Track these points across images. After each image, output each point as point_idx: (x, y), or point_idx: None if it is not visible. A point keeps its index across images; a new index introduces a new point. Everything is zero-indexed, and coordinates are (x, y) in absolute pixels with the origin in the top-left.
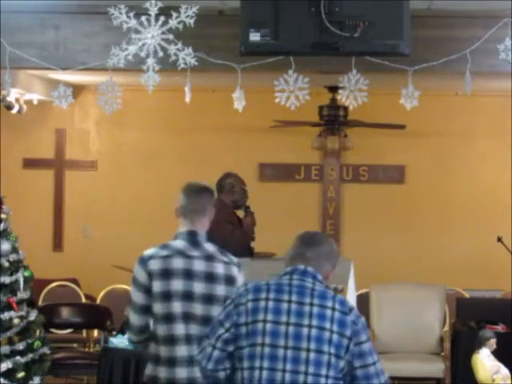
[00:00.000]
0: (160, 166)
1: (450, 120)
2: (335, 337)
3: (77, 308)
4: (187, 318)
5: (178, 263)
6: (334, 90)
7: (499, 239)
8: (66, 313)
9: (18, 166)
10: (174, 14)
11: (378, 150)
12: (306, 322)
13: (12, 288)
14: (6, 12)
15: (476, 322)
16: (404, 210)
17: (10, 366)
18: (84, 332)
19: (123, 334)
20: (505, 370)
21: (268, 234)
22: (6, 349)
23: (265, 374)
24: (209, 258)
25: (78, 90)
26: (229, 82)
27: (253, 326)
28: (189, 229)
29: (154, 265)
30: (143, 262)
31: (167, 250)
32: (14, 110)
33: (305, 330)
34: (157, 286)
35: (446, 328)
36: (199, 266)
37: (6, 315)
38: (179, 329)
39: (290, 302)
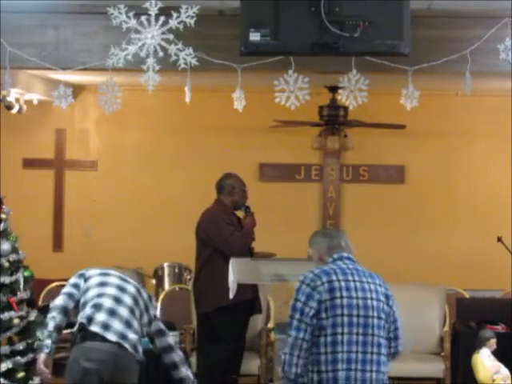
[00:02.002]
0: (160, 165)
1: (450, 120)
2: (385, 306)
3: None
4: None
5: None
6: (334, 89)
7: (499, 239)
8: None
9: (18, 166)
10: (174, 14)
11: (378, 149)
12: (368, 295)
13: (12, 288)
14: (6, 12)
15: (476, 322)
16: (404, 210)
17: (10, 366)
18: None
19: None
20: (505, 370)
21: (268, 233)
22: (5, 349)
23: (346, 337)
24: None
25: (78, 90)
26: (229, 82)
27: (332, 302)
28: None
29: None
30: None
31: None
32: (14, 110)
33: (369, 302)
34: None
35: (446, 328)
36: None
37: (6, 315)
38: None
39: (354, 281)
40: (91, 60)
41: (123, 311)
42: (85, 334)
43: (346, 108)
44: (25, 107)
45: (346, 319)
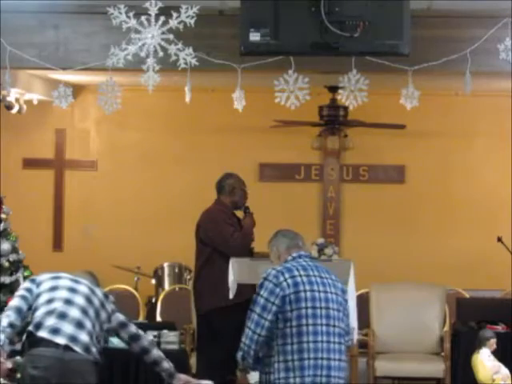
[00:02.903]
0: (160, 165)
1: (450, 120)
2: (342, 300)
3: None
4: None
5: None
6: (333, 89)
7: (499, 239)
8: None
9: (18, 166)
10: (175, 14)
11: (378, 150)
12: (328, 289)
13: (12, 288)
14: (6, 12)
15: (476, 322)
16: (404, 210)
17: (10, 366)
18: None
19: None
20: (505, 370)
21: (268, 234)
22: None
23: (311, 328)
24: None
25: (78, 90)
26: (229, 82)
27: (296, 295)
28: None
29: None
30: None
31: None
32: (14, 110)
33: (329, 295)
34: None
35: (446, 328)
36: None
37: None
38: None
39: (315, 276)
40: (91, 60)
41: (74, 312)
42: (32, 340)
43: (346, 108)
44: (25, 107)
45: (310, 311)
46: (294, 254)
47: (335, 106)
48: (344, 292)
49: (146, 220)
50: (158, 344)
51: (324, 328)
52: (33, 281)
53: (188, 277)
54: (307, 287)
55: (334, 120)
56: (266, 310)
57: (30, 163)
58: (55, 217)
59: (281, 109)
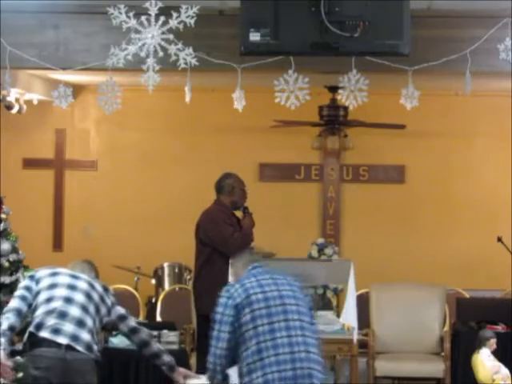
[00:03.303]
0: (160, 165)
1: (450, 120)
2: (299, 295)
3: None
4: None
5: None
6: (333, 89)
7: (499, 239)
8: None
9: (18, 166)
10: (175, 14)
11: (378, 150)
12: (281, 288)
13: (12, 288)
14: (6, 12)
15: (476, 322)
16: (404, 210)
17: (12, 366)
18: None
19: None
20: (505, 370)
21: (268, 233)
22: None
23: (266, 327)
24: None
25: (78, 90)
26: (229, 82)
27: (247, 300)
28: None
29: None
30: None
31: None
32: (14, 110)
33: (284, 293)
34: None
35: (446, 328)
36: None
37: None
38: None
39: (266, 279)
40: (91, 60)
41: (75, 311)
42: (33, 340)
43: (346, 108)
44: (25, 107)
45: (263, 311)
46: (250, 267)
47: (335, 106)
48: (301, 289)
49: (146, 220)
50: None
51: (282, 324)
52: (32, 278)
53: (188, 277)
54: (258, 290)
55: (334, 120)
56: (223, 323)
57: (30, 163)
58: (55, 217)
59: (281, 109)
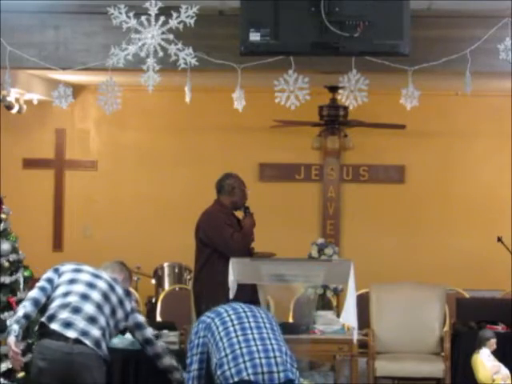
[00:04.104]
0: (160, 165)
1: (450, 120)
2: (275, 324)
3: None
4: None
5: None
6: (334, 89)
7: (499, 239)
8: None
9: (18, 166)
10: (174, 14)
11: (378, 150)
12: (254, 309)
13: (12, 288)
14: (6, 12)
15: (476, 322)
16: (404, 210)
17: (10, 366)
18: None
19: (123, 334)
20: (505, 370)
21: (268, 234)
22: (5, 349)
23: (238, 326)
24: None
25: (78, 89)
26: (229, 82)
27: (220, 320)
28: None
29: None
30: None
31: None
32: (14, 110)
33: (256, 313)
34: None
35: (446, 328)
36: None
37: (6, 315)
38: None
39: (240, 305)
40: (91, 60)
41: (89, 308)
42: (44, 331)
43: (346, 108)
44: (25, 107)
45: (237, 327)
46: None
47: (335, 106)
48: (271, 317)
49: (146, 220)
50: None
51: (256, 335)
52: (56, 270)
53: (188, 277)
54: (231, 312)
55: (334, 120)
56: (194, 346)
57: (30, 163)
58: (55, 217)
59: (281, 109)
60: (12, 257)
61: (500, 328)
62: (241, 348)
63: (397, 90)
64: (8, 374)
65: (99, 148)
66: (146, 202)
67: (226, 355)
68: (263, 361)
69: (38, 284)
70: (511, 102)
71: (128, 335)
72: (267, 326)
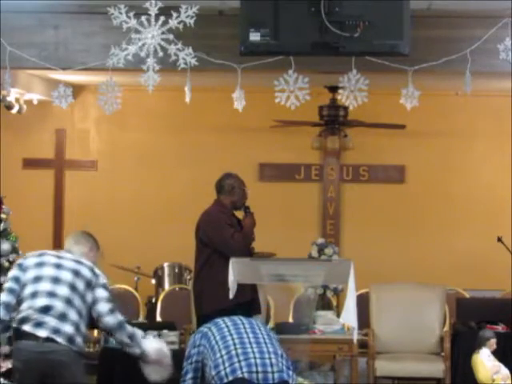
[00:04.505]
0: (160, 165)
1: (450, 120)
2: (272, 334)
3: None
4: None
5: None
6: (334, 89)
7: (499, 239)
8: None
9: (18, 166)
10: (174, 14)
11: (378, 150)
12: (252, 320)
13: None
14: (6, 12)
15: (476, 322)
16: (404, 210)
17: (10, 366)
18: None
19: None
20: (505, 370)
21: (268, 234)
22: (5, 349)
23: (231, 326)
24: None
25: (77, 89)
26: (229, 82)
27: (216, 327)
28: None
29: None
30: None
31: None
32: (14, 110)
33: (253, 322)
34: None
35: (446, 328)
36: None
37: None
38: None
39: (237, 317)
40: (91, 60)
41: (58, 304)
42: (17, 334)
43: (346, 108)
44: (25, 107)
45: (229, 323)
46: None
47: (335, 106)
48: (267, 328)
49: (146, 220)
50: None
51: (252, 339)
52: (20, 266)
53: (188, 277)
54: (227, 320)
55: (334, 120)
56: (190, 355)
57: (30, 163)
58: (55, 217)
59: (281, 109)
60: (12, 257)
61: (500, 328)
62: (236, 349)
63: (397, 89)
64: (8, 374)
65: (99, 148)
66: (146, 202)
67: (222, 356)
68: (258, 361)
69: (6, 285)
70: (511, 102)
71: None
72: (263, 332)
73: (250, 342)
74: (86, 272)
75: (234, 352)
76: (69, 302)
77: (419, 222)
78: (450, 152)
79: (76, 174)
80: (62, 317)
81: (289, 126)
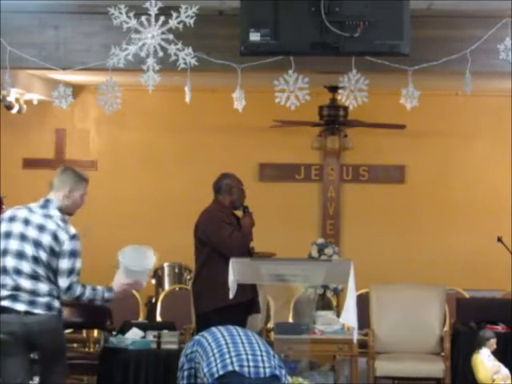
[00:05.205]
0: (160, 165)
1: (450, 120)
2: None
3: (77, 308)
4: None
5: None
6: (334, 89)
7: (499, 239)
8: (65, 313)
9: (18, 166)
10: (174, 14)
11: (378, 149)
12: (251, 337)
13: None
14: (6, 12)
15: (476, 322)
16: (404, 210)
17: None
18: (84, 332)
19: (123, 334)
20: (505, 370)
21: (268, 234)
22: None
23: (231, 345)
24: (47, 216)
25: (77, 90)
26: (229, 82)
27: (210, 333)
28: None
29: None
30: None
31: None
32: (14, 110)
33: (253, 339)
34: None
35: (446, 328)
36: (36, 218)
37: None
38: None
39: (236, 328)
40: (91, 60)
41: (26, 267)
42: None
43: (346, 108)
44: (25, 107)
45: (222, 329)
46: None
47: (335, 106)
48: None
49: (146, 220)
50: (158, 344)
51: (244, 340)
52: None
53: (188, 277)
54: (220, 326)
55: (334, 120)
56: (184, 362)
57: (29, 163)
58: None
59: (281, 109)
60: None
61: (500, 328)
62: (228, 347)
63: (397, 89)
64: None
65: (99, 148)
66: (146, 202)
67: (214, 354)
68: (250, 357)
69: None
70: (511, 102)
71: (128, 335)
72: (256, 337)
73: (243, 342)
74: (51, 225)
75: (225, 350)
76: (36, 260)
77: (419, 222)
78: (450, 152)
79: None
80: (33, 278)
81: (289, 126)
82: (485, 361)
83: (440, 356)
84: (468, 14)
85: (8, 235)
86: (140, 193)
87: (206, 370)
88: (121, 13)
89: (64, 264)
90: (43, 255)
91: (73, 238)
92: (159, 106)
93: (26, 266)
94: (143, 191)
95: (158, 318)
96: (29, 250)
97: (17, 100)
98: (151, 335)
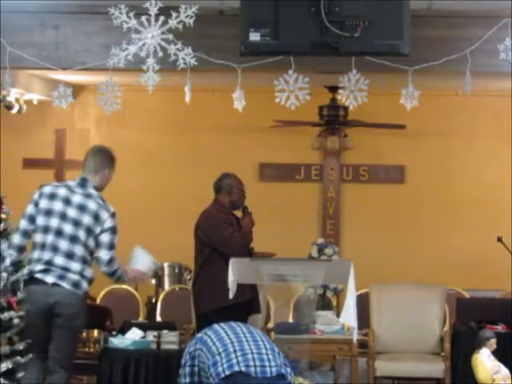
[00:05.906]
0: (160, 165)
1: (450, 120)
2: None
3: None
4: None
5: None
6: (334, 89)
7: (499, 239)
8: None
9: (18, 166)
10: (174, 14)
11: (378, 149)
12: (251, 327)
13: (12, 288)
14: (6, 12)
15: (476, 322)
16: (404, 210)
17: (10, 366)
18: (84, 332)
19: (123, 334)
20: (505, 370)
21: (268, 233)
22: (5, 349)
23: (227, 326)
24: (87, 195)
25: (77, 90)
26: (229, 82)
27: (214, 331)
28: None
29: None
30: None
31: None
32: (14, 110)
33: (251, 327)
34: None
35: (446, 328)
36: (77, 198)
37: (6, 315)
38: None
39: (239, 325)
40: (91, 60)
41: (64, 245)
42: (29, 280)
43: (346, 108)
44: (25, 107)
45: (225, 326)
46: None
47: (335, 106)
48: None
49: (146, 220)
50: (158, 344)
51: (249, 338)
52: (35, 203)
53: (188, 277)
54: (223, 324)
55: (334, 120)
56: (186, 360)
57: (29, 163)
58: None
59: (281, 109)
60: None
61: (500, 328)
62: (234, 346)
63: (397, 89)
64: (8, 374)
65: None
66: (146, 202)
67: (219, 353)
68: (255, 356)
69: (20, 226)
70: (511, 102)
71: (128, 335)
72: (260, 334)
73: (248, 340)
74: (92, 205)
75: (231, 349)
76: (73, 239)
77: (419, 222)
78: (450, 152)
79: (76, 174)
80: (68, 256)
81: (289, 126)
82: (485, 361)
83: (440, 356)
84: (468, 13)
85: (49, 213)
86: (140, 192)
87: (211, 370)
88: (121, 13)
89: (107, 238)
90: (82, 235)
91: (113, 215)
92: (159, 105)
93: (64, 244)
94: (143, 191)
95: (158, 318)
96: (68, 228)
97: (17, 100)
98: (151, 335)
